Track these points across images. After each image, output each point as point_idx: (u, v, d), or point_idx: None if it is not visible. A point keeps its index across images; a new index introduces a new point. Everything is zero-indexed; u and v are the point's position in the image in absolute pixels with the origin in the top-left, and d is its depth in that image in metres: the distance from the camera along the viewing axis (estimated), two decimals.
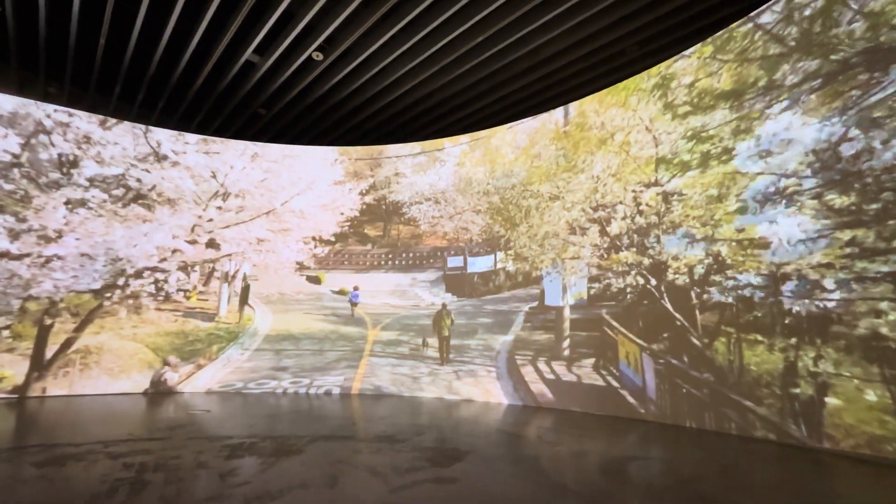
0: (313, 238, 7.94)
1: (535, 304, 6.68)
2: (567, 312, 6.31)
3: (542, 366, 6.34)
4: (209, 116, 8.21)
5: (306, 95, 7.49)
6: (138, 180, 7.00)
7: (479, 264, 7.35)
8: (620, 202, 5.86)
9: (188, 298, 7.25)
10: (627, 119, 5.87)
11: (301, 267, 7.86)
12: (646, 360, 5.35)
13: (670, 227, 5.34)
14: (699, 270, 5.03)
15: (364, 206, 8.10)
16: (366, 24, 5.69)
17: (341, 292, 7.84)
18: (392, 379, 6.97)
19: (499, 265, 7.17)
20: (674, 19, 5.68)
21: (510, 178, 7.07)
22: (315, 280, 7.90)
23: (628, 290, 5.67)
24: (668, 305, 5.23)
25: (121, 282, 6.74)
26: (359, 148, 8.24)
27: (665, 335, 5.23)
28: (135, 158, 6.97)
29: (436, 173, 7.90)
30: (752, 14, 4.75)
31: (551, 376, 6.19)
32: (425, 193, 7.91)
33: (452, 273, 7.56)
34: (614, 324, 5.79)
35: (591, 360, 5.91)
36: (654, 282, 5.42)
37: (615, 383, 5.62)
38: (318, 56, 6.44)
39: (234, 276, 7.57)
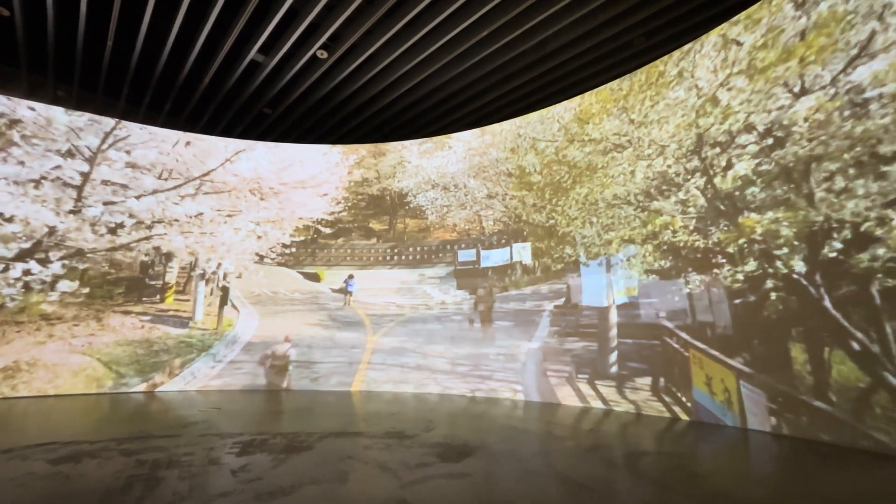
0: (268, 221, 6.39)
1: (560, 301, 5.49)
2: (614, 316, 4.87)
3: (583, 386, 4.94)
4: (215, 117, 8.25)
5: (311, 94, 7.49)
6: None
7: (494, 258, 6.44)
8: (751, 127, 3.44)
9: (164, 300, 6.22)
10: None
11: (260, 259, 6.83)
12: (749, 394, 3.61)
13: (857, 157, 2.90)
14: None
15: (352, 185, 7.12)
16: (370, 20, 5.68)
17: (341, 292, 7.14)
18: None
19: (515, 258, 6.17)
20: (680, 9, 5.58)
21: (553, 123, 5.08)
22: (314, 277, 7.13)
23: (769, 284, 3.37)
24: (829, 305, 3.13)
25: None
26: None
27: (774, 350, 3.25)
28: None
29: (443, 157, 7.09)
30: None
31: (598, 403, 4.73)
32: (433, 179, 7.12)
33: (464, 268, 6.79)
34: (682, 335, 4.07)
35: (647, 380, 4.43)
36: (799, 267, 3.23)
37: (686, 418, 4.10)
38: (323, 54, 6.44)
39: (214, 272, 6.49)
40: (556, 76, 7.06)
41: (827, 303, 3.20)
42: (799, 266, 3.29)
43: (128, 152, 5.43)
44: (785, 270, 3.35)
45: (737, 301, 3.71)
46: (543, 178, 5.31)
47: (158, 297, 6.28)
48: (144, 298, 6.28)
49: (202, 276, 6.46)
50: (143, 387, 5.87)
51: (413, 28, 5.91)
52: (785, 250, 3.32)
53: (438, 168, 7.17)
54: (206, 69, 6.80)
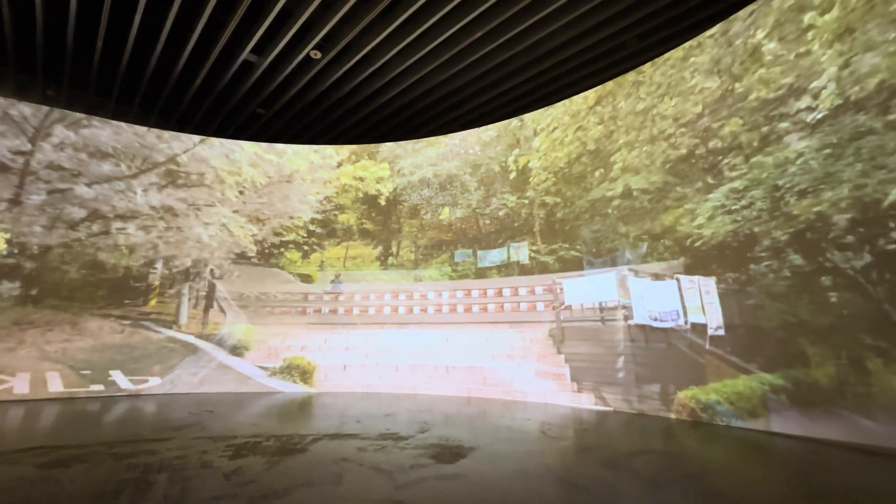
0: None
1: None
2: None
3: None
4: (208, 117, 8.17)
5: (305, 94, 7.45)
6: None
7: (492, 257, 6.38)
8: (796, 93, 2.88)
9: (147, 302, 5.97)
10: None
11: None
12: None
13: None
14: None
15: (345, 184, 7.00)
16: (364, 20, 5.67)
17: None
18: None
19: (513, 258, 6.08)
20: (673, 11, 5.63)
21: (558, 106, 4.64)
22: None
23: (822, 282, 2.82)
24: (889, 308, 2.64)
25: None
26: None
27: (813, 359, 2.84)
28: None
29: (440, 154, 6.98)
30: None
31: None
32: (428, 178, 7.05)
33: (460, 268, 6.73)
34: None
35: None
36: (853, 261, 2.68)
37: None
38: (317, 54, 6.41)
39: (199, 273, 6.27)
40: (550, 77, 7.09)
41: (887, 306, 2.65)
42: (853, 260, 2.72)
43: (76, 133, 4.74)
44: (844, 265, 2.74)
45: (752, 301, 3.33)
46: (548, 169, 4.93)
47: (142, 299, 6.05)
48: (127, 301, 6.05)
49: (186, 276, 6.27)
50: (126, 391, 5.70)
51: (407, 28, 5.91)
52: (835, 241, 2.76)
53: (434, 166, 7.10)
54: (199, 69, 6.73)
